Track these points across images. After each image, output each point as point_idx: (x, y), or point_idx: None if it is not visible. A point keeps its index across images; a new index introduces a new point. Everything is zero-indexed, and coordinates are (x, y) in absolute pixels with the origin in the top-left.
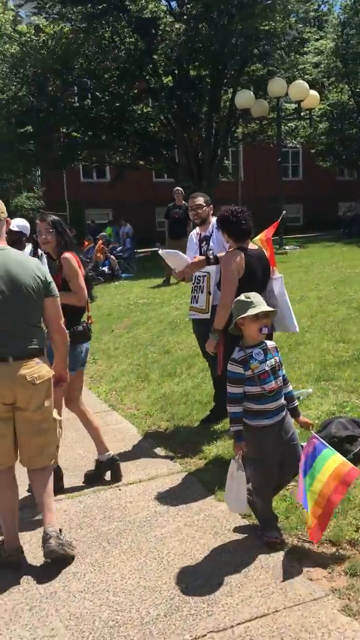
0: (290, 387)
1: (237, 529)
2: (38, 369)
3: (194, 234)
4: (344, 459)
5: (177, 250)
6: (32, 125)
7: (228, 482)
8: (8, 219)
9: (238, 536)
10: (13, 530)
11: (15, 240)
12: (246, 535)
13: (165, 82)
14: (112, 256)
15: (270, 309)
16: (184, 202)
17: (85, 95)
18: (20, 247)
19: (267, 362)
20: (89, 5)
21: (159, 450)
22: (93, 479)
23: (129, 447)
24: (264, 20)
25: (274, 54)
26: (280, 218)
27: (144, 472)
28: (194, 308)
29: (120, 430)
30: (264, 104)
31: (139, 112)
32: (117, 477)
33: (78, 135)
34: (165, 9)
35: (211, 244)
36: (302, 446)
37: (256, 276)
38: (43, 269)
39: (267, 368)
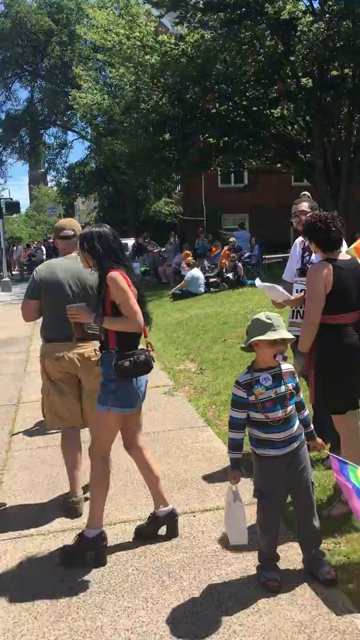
0: (307, 413)
1: (306, 576)
2: (94, 349)
3: (299, 242)
4: None
5: (275, 285)
6: (170, 133)
7: (226, 512)
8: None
9: (309, 586)
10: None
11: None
12: (317, 585)
13: (303, 83)
14: (239, 263)
15: (291, 336)
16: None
17: (222, 101)
18: None
19: (276, 389)
20: (228, 10)
21: (243, 476)
22: (145, 534)
23: (215, 468)
24: None
25: None
26: None
27: (223, 499)
28: (295, 323)
29: (210, 449)
30: None
31: (276, 115)
32: (173, 533)
33: (213, 141)
34: (304, 8)
35: (314, 255)
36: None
37: (348, 290)
38: None
39: (273, 395)
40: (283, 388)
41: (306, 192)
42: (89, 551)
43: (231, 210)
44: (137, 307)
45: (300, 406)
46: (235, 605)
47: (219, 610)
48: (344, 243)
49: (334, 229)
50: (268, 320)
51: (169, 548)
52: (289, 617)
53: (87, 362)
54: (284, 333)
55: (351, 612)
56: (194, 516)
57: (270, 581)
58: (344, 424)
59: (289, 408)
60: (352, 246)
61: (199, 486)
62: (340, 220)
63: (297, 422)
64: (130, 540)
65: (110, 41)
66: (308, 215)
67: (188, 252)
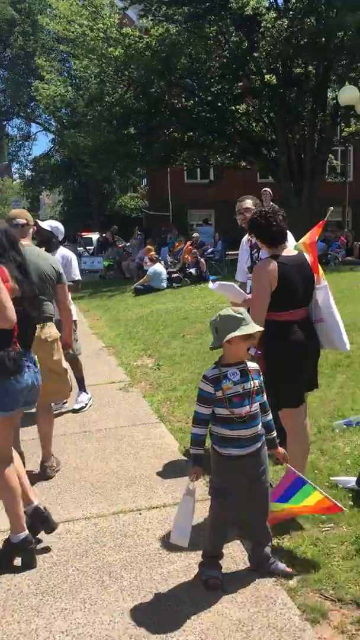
0: (270, 417)
1: (249, 574)
2: (49, 330)
3: (245, 240)
4: (327, 495)
5: (231, 284)
6: (135, 127)
7: (179, 507)
8: (37, 221)
9: (251, 584)
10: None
11: (46, 239)
12: (257, 583)
13: (267, 80)
14: (201, 259)
15: (261, 329)
16: (272, 203)
17: (187, 96)
18: (50, 247)
19: (243, 384)
20: (193, 4)
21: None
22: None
23: (164, 465)
24: None
25: None
26: (326, 217)
27: (171, 496)
28: None
29: (161, 445)
30: None
31: (241, 111)
32: (43, 528)
33: (178, 136)
34: (267, 5)
35: (262, 251)
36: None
37: (294, 287)
38: (58, 264)
39: (241, 391)
40: (250, 384)
41: (267, 189)
42: (17, 555)
43: (197, 206)
44: (7, 303)
45: (263, 408)
46: (174, 604)
47: (158, 609)
48: (292, 238)
49: (274, 223)
50: (239, 315)
51: (112, 547)
52: (227, 615)
53: None
54: (256, 326)
55: (290, 609)
56: (140, 514)
57: (211, 579)
58: (291, 419)
59: (255, 405)
60: (300, 241)
61: (148, 483)
62: (282, 215)
63: (261, 422)
64: (74, 539)
65: (73, 32)
66: (254, 211)
67: (150, 247)
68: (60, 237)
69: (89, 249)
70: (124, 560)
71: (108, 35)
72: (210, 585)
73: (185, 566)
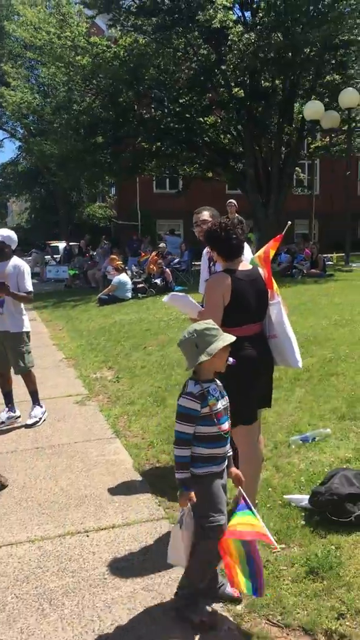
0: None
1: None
2: None
3: (205, 252)
4: (266, 532)
5: (185, 295)
6: (102, 136)
7: (173, 534)
8: None
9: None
10: None
11: None
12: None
13: (235, 92)
14: (167, 269)
15: (234, 337)
16: (237, 215)
17: (156, 106)
18: (3, 257)
19: (222, 399)
20: (161, 15)
21: (146, 491)
22: None
23: (116, 483)
24: (340, 28)
25: (353, 64)
26: (284, 231)
27: (121, 516)
28: None
29: (115, 462)
30: (335, 115)
31: (209, 123)
32: None
33: (146, 146)
34: (234, 18)
35: (217, 264)
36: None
37: (246, 301)
38: None
39: (221, 407)
40: (225, 400)
41: (232, 200)
42: None
43: (166, 216)
44: None
45: None
46: (115, 633)
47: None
48: (249, 252)
49: (234, 236)
50: (213, 326)
51: (55, 572)
52: None
53: None
54: (230, 335)
55: (235, 636)
56: (87, 536)
57: (211, 619)
58: (244, 437)
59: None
60: (256, 255)
61: (98, 503)
62: (241, 228)
63: None
64: (15, 564)
65: (40, 39)
66: (212, 222)
67: (114, 256)
68: (13, 246)
69: (56, 258)
70: (67, 586)
71: (76, 44)
72: (209, 625)
73: (130, 592)
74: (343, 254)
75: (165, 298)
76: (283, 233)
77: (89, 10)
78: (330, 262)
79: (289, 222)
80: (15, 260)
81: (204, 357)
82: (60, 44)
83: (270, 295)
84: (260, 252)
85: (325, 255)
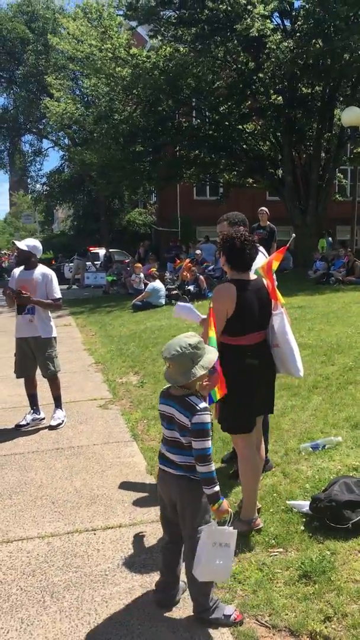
0: None
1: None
2: None
3: None
4: None
5: (188, 305)
6: (141, 145)
7: (209, 550)
8: (14, 241)
9: (189, 610)
10: None
11: (24, 259)
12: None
13: (273, 99)
14: (201, 276)
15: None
16: (268, 222)
17: (195, 114)
18: (29, 266)
19: None
20: (200, 25)
21: (155, 492)
22: None
23: (129, 485)
24: None
25: None
26: (288, 243)
27: (129, 516)
28: None
29: (129, 464)
30: None
31: (247, 130)
32: None
33: (184, 153)
34: (272, 27)
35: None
36: None
37: (250, 311)
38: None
39: None
40: None
41: (264, 208)
42: None
43: (206, 223)
44: None
45: None
46: (108, 627)
47: (91, 632)
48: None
49: (248, 251)
50: (200, 338)
51: (60, 567)
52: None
53: None
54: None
55: (223, 634)
56: (95, 534)
57: (238, 614)
58: (243, 444)
59: None
60: (259, 265)
61: (108, 503)
62: (254, 244)
63: None
64: (24, 558)
65: (82, 52)
66: (234, 231)
67: (139, 264)
68: (39, 255)
69: (96, 264)
70: (69, 580)
71: (116, 55)
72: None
73: (128, 588)
74: None
75: (174, 311)
76: (288, 245)
77: (130, 21)
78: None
79: (294, 235)
80: (41, 269)
81: (201, 371)
82: (101, 56)
83: (273, 306)
84: (264, 263)
85: None
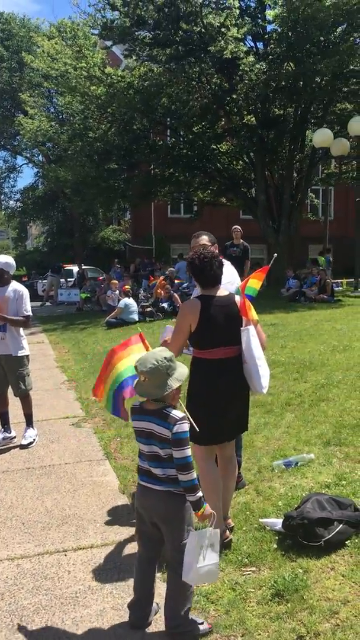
0: None
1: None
2: None
3: None
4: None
5: (170, 326)
6: (115, 162)
7: (198, 554)
8: None
9: (162, 629)
10: None
11: None
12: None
13: (246, 120)
14: (175, 294)
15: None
16: (242, 240)
17: (169, 134)
18: (2, 282)
19: None
20: (174, 46)
21: (129, 511)
22: None
23: (101, 504)
24: (351, 60)
25: None
26: (271, 262)
27: (100, 537)
28: None
29: (102, 484)
30: (344, 142)
31: (221, 150)
32: None
33: (158, 172)
34: (245, 49)
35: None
36: None
37: (214, 326)
38: None
39: None
40: None
41: (237, 226)
42: None
43: (180, 240)
44: None
45: None
46: None
47: None
48: (236, 278)
49: (208, 268)
50: (169, 353)
51: (29, 590)
52: None
53: None
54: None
55: None
56: (65, 555)
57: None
58: (199, 458)
59: None
60: (240, 284)
61: (80, 523)
62: (217, 262)
63: None
64: None
65: (57, 70)
66: (191, 252)
67: (115, 281)
68: (12, 272)
69: (70, 281)
70: (39, 603)
71: (91, 74)
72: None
73: (99, 610)
74: (352, 279)
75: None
76: (269, 265)
77: (105, 41)
78: (339, 288)
79: (275, 254)
80: (14, 285)
81: (176, 383)
82: (76, 75)
83: (244, 323)
84: (243, 282)
85: (335, 280)
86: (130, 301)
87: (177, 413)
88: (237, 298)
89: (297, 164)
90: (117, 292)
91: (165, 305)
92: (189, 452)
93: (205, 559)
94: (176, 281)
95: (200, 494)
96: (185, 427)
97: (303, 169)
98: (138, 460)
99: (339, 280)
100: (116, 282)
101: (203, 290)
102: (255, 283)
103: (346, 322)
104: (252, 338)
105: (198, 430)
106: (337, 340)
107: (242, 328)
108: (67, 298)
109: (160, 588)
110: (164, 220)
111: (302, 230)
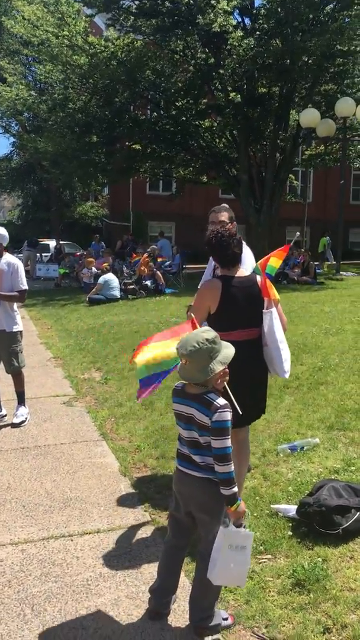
0: None
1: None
2: None
3: None
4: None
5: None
6: (97, 136)
7: (225, 553)
8: None
9: (182, 621)
10: None
11: None
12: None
13: (231, 97)
14: (158, 272)
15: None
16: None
17: (152, 108)
18: None
19: None
20: (160, 17)
21: (132, 495)
22: None
23: (102, 487)
24: (340, 38)
25: (349, 74)
26: (292, 241)
27: (106, 521)
28: None
29: (101, 465)
30: (331, 124)
31: (204, 126)
32: None
33: (139, 147)
34: (234, 23)
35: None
36: None
37: (235, 308)
38: None
39: None
40: None
41: (225, 205)
42: None
43: (158, 218)
44: None
45: None
46: None
47: None
48: (252, 259)
49: (229, 249)
50: (215, 333)
51: (37, 577)
52: None
53: None
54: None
55: None
56: (72, 540)
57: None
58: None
59: None
60: (259, 262)
61: (83, 506)
62: (237, 239)
63: None
64: None
65: (38, 37)
66: (211, 230)
67: (91, 259)
68: (4, 243)
69: (45, 256)
70: (49, 591)
71: (73, 43)
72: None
73: (113, 599)
74: (334, 262)
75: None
76: (291, 244)
77: (89, 8)
78: (320, 270)
79: (298, 233)
80: (8, 258)
81: (219, 367)
82: (58, 43)
83: (266, 304)
84: (264, 259)
85: (315, 263)
86: (110, 277)
87: (219, 400)
88: (258, 278)
89: (281, 143)
90: (93, 269)
91: (148, 283)
92: (228, 442)
93: (232, 560)
94: (159, 259)
95: (235, 489)
96: (227, 415)
97: (286, 149)
98: (177, 444)
99: (317, 263)
100: (92, 259)
101: (223, 270)
102: (275, 262)
103: (333, 305)
104: (274, 321)
105: (241, 414)
106: (328, 323)
107: (264, 310)
108: (46, 273)
109: (181, 581)
110: (143, 197)
111: (280, 212)
